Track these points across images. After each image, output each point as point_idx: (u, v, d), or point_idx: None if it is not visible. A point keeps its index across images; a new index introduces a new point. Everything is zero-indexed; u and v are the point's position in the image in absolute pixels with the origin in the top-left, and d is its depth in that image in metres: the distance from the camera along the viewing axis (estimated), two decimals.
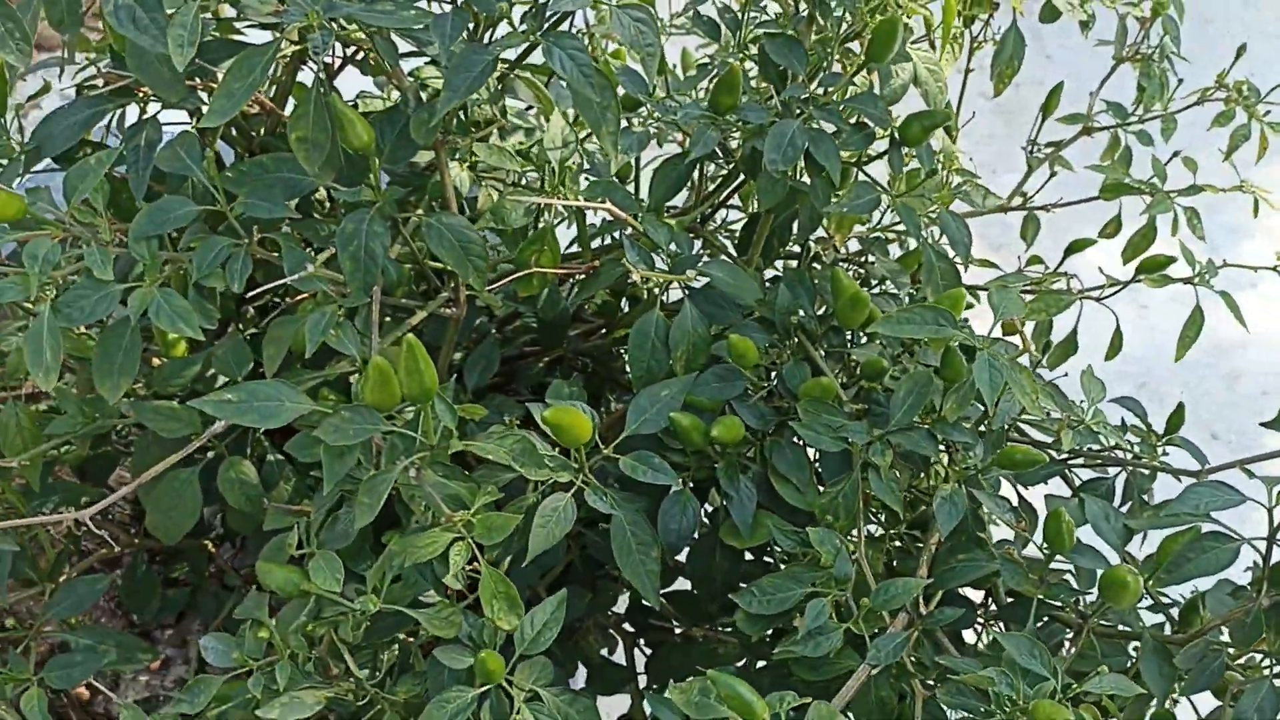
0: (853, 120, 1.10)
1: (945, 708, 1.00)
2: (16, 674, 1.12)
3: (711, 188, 1.30)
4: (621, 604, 1.35)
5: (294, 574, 0.96)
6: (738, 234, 1.30)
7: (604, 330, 1.44)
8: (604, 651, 1.43)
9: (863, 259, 1.40)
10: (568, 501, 0.98)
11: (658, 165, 1.11)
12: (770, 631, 1.07)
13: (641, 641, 1.36)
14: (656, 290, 1.03)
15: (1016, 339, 1.23)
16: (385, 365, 0.88)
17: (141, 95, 1.14)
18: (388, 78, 1.10)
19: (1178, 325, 1.32)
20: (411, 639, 1.03)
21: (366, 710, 0.99)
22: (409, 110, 1.03)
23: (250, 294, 1.06)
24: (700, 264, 1.06)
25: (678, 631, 1.31)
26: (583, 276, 1.15)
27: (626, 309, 1.41)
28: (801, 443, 1.08)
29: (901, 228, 1.42)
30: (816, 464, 1.11)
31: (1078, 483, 1.14)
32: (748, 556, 1.17)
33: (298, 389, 0.95)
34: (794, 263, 1.31)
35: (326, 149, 0.99)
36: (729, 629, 1.25)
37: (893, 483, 1.01)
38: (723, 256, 1.21)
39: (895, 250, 1.45)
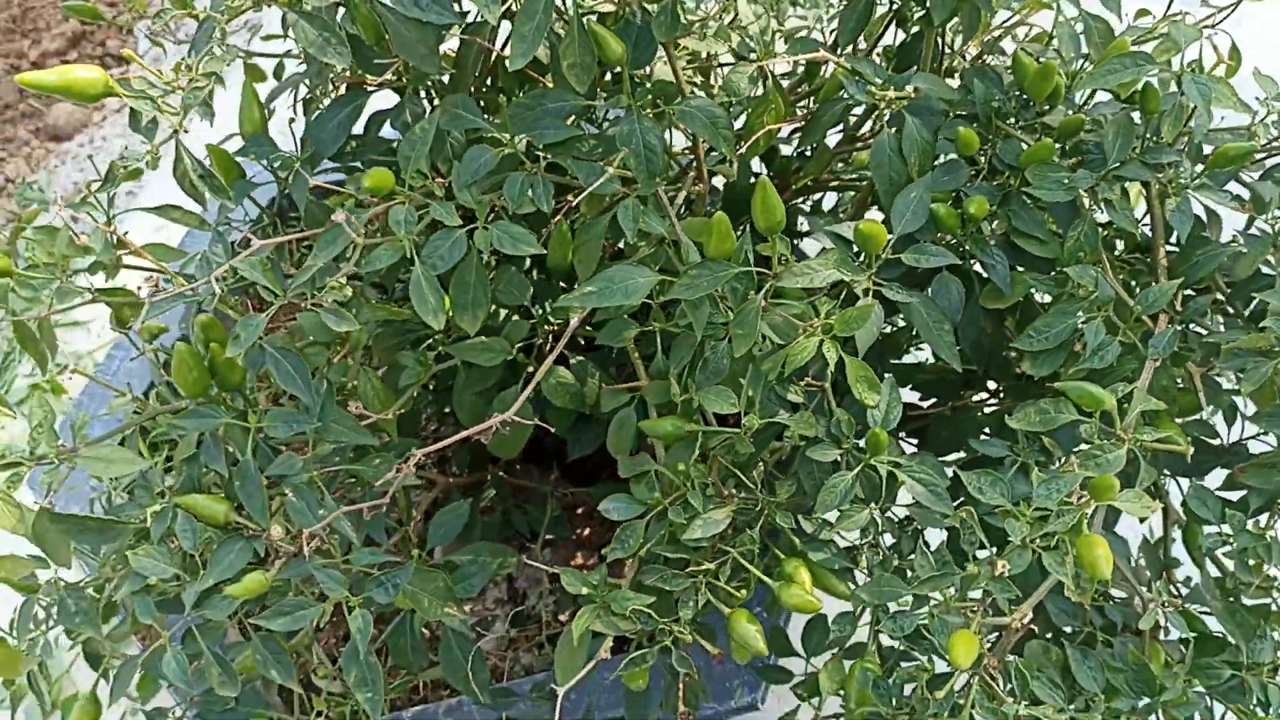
0: None
1: (1223, 375, 1.19)
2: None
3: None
4: None
5: (678, 420, 1.14)
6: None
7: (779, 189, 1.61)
8: None
9: (982, 61, 1.57)
10: (873, 302, 1.15)
11: (841, 9, 1.28)
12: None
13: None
14: (883, 106, 1.19)
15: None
16: (725, 219, 1.05)
17: (368, 87, 1.29)
18: None
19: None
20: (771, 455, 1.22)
21: (759, 517, 1.18)
22: (636, 20, 1.19)
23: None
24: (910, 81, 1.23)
25: (933, 413, 1.50)
26: (803, 126, 1.32)
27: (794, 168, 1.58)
28: (1029, 203, 1.25)
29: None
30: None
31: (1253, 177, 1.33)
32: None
33: (640, 266, 1.12)
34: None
35: (593, 69, 1.15)
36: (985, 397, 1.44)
37: (1125, 210, 1.20)
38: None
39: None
